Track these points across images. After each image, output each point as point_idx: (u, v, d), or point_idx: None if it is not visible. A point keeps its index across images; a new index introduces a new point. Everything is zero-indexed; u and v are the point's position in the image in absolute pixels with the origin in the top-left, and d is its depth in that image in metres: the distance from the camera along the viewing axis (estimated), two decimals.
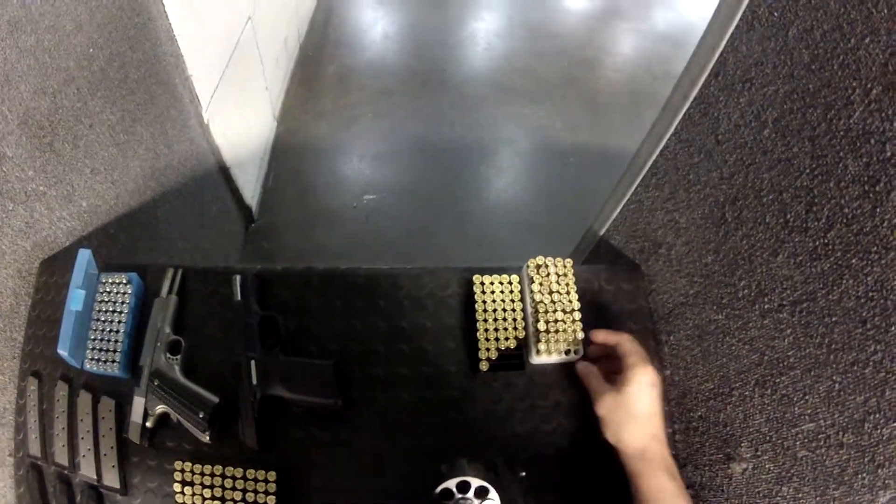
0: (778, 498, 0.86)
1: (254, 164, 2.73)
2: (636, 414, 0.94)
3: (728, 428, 0.96)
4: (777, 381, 0.85)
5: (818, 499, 0.79)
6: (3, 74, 0.99)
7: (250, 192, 2.61)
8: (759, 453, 0.90)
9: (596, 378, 1.02)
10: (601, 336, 1.06)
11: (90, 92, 1.26)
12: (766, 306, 0.87)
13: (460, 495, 0.79)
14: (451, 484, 0.78)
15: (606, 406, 0.97)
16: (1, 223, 1.04)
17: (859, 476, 0.73)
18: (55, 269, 1.16)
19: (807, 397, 0.80)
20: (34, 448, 1.05)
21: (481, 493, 0.80)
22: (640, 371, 0.95)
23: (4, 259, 1.07)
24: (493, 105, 3.38)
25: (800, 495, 0.82)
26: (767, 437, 0.87)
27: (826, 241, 0.75)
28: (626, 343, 1.01)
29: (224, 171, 2.26)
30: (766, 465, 0.88)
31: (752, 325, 0.90)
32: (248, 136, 2.64)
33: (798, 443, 0.82)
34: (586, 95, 3.51)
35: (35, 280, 1.16)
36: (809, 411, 0.80)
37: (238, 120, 2.42)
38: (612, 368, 1.02)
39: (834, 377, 0.75)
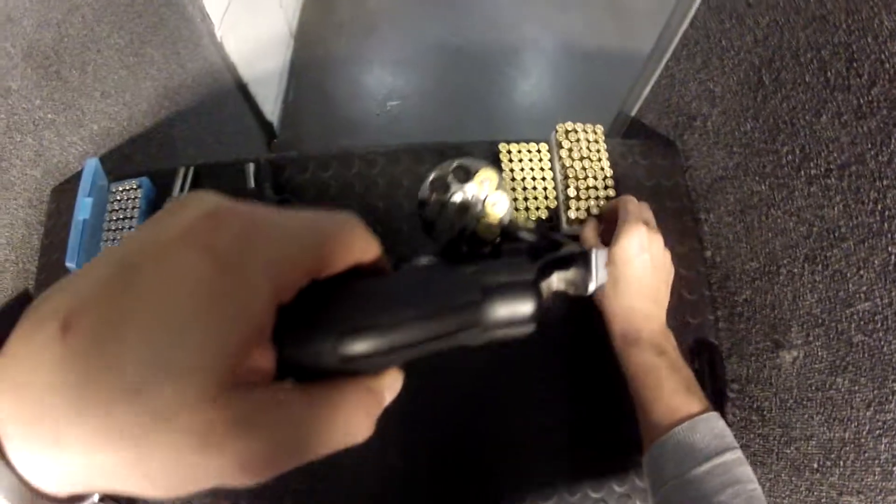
0: (832, 391, 0.80)
1: (272, 80, 2.68)
2: (621, 277, 0.85)
3: (776, 311, 0.90)
4: (828, 254, 0.78)
5: (876, 391, 0.72)
6: (4, 14, 0.97)
7: (270, 107, 2.57)
8: (810, 339, 0.83)
9: (590, 230, 0.95)
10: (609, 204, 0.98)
11: (96, 18, 1.23)
12: (812, 172, 0.80)
13: (443, 196, 0.64)
14: (424, 189, 0.63)
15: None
16: (10, 155, 1.02)
17: None
18: (67, 194, 1.14)
19: (861, 272, 0.73)
20: None
21: (463, 174, 0.65)
22: (630, 229, 0.85)
23: (14, 189, 1.05)
24: (515, 7, 3.24)
25: (856, 387, 0.75)
26: (820, 320, 0.81)
27: (870, 97, 0.69)
28: (624, 203, 0.91)
29: (242, 89, 2.22)
30: (819, 353, 0.82)
31: (798, 193, 0.83)
32: (265, 53, 2.58)
33: (853, 326, 0.75)
34: None
35: (47, 207, 1.14)
36: (865, 288, 0.73)
37: (253, 37, 2.36)
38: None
39: (889, 248, 0.69)
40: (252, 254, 0.25)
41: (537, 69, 3.07)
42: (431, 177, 0.56)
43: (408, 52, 3.05)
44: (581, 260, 0.43)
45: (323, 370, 0.27)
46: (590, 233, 0.94)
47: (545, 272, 0.39)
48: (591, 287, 0.42)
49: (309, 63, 2.97)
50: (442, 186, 0.55)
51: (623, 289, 0.85)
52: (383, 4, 3.25)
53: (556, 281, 0.41)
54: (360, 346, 0.27)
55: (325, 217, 0.29)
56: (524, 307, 0.32)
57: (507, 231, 0.49)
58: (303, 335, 0.27)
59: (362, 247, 0.30)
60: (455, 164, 0.57)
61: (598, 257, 0.43)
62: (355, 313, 0.28)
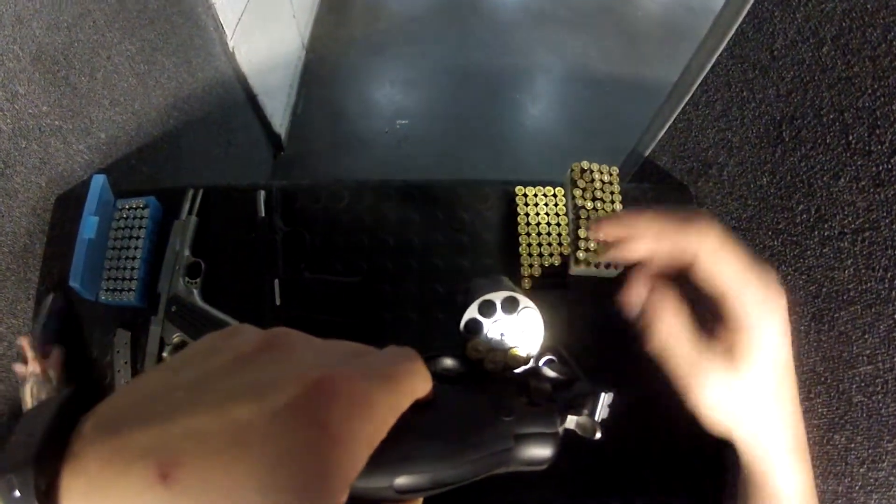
0: (829, 447, 0.81)
1: (282, 92, 2.68)
2: (770, 401, 0.50)
3: None
4: (835, 316, 0.79)
5: (871, 451, 0.74)
6: (13, 15, 0.95)
7: (279, 120, 2.57)
8: (811, 395, 0.84)
9: (681, 341, 0.48)
10: (640, 238, 0.49)
11: (107, 24, 1.22)
12: (825, 233, 0.80)
13: (486, 319, 0.66)
14: (474, 311, 0.65)
15: (713, 393, 0.49)
16: (14, 161, 1.00)
17: None
18: (71, 203, 1.11)
19: (866, 336, 0.74)
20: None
21: (509, 305, 0.67)
22: (770, 333, 0.47)
23: (17, 198, 1.03)
24: (527, 31, 3.27)
25: (852, 445, 0.77)
26: (822, 378, 0.81)
27: (889, 166, 0.70)
28: (711, 255, 0.45)
29: (251, 100, 2.21)
30: (819, 410, 0.82)
31: (810, 253, 0.83)
32: (276, 65, 2.58)
33: (854, 386, 0.76)
34: (622, 26, 3.37)
35: (50, 217, 1.12)
36: (868, 352, 0.74)
37: (265, 48, 2.36)
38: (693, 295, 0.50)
39: (895, 316, 0.70)
40: (358, 429, 0.29)
41: (548, 95, 3.08)
42: (481, 300, 0.59)
43: (419, 71, 3.06)
44: (591, 402, 0.46)
45: (379, 499, 0.33)
46: (685, 356, 0.48)
47: (563, 417, 0.45)
48: (599, 434, 0.45)
49: (319, 76, 2.98)
50: (489, 310, 0.58)
51: (773, 411, 0.51)
52: (397, 23, 3.27)
53: (569, 422, 0.46)
54: (414, 485, 0.33)
55: (402, 365, 0.33)
56: (545, 452, 0.40)
57: (534, 367, 0.52)
58: (367, 471, 0.30)
59: (424, 387, 0.34)
60: (506, 295, 0.60)
61: (603, 399, 0.46)
62: (411, 456, 0.34)
